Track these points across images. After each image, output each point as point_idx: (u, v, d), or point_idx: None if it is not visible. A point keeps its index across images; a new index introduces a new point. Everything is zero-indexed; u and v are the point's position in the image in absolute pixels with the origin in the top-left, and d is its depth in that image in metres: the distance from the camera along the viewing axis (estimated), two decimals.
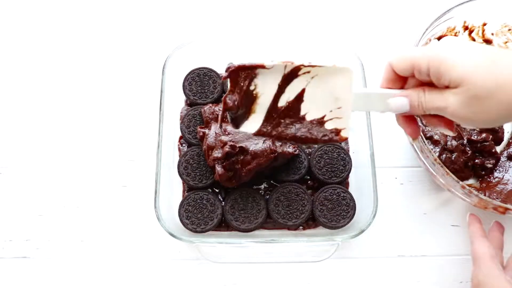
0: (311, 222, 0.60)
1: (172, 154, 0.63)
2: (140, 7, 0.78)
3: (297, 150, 0.59)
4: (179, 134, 0.64)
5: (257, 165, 0.57)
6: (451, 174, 0.54)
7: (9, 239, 0.64)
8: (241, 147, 0.57)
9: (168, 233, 0.55)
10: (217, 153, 0.57)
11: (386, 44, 0.75)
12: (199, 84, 0.65)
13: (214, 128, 0.59)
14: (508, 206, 0.53)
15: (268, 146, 0.57)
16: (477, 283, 0.53)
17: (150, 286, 0.62)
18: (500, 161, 0.65)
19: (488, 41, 0.67)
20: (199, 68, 0.66)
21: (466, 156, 0.62)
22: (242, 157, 0.57)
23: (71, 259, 0.63)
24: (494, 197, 0.61)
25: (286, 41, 0.67)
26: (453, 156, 0.61)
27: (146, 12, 0.78)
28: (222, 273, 0.62)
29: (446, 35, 0.66)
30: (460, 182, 0.53)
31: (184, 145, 0.64)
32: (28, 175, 0.67)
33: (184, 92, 0.65)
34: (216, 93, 0.65)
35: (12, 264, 0.63)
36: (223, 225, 0.60)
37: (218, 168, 0.57)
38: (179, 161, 0.61)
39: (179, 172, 0.60)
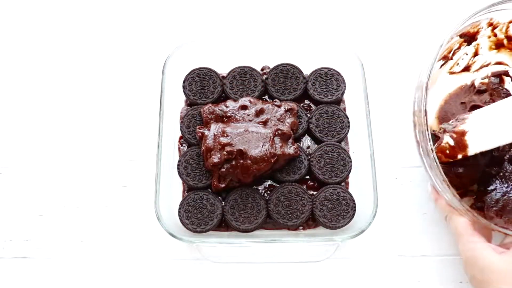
0: (311, 222, 0.60)
1: (172, 154, 0.63)
2: (140, 7, 0.78)
3: (298, 152, 0.59)
4: (179, 134, 0.64)
5: (258, 170, 0.57)
6: (457, 196, 0.53)
7: (9, 239, 0.64)
8: (239, 150, 0.57)
9: (168, 233, 0.55)
10: (215, 158, 0.57)
11: (386, 44, 0.75)
12: (199, 84, 0.65)
13: (213, 129, 0.59)
14: (505, 231, 0.53)
15: (267, 150, 0.57)
16: (465, 258, 0.53)
17: (150, 286, 0.62)
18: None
19: (510, 38, 0.67)
20: (199, 68, 0.66)
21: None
22: (242, 161, 0.57)
23: (71, 259, 0.63)
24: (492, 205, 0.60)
25: (286, 41, 0.67)
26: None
27: (146, 12, 0.78)
28: (222, 273, 0.62)
29: (469, 32, 0.65)
30: (465, 206, 0.53)
31: (184, 145, 0.64)
32: (28, 175, 0.67)
33: (184, 92, 0.65)
34: (216, 93, 0.65)
35: (12, 264, 0.63)
36: (223, 225, 0.60)
37: (214, 181, 0.58)
38: (179, 161, 0.61)
39: (179, 172, 0.60)
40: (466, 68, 0.69)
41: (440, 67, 0.68)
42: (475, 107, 0.66)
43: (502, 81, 0.69)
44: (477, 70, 0.69)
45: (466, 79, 0.69)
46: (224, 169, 0.57)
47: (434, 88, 0.68)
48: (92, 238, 0.64)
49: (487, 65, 0.69)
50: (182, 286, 0.62)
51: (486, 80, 0.69)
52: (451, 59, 0.68)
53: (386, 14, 0.78)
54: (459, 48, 0.67)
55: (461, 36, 0.65)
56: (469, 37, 0.66)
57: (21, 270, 0.63)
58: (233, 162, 0.57)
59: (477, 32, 0.66)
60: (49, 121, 0.70)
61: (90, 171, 0.67)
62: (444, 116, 0.67)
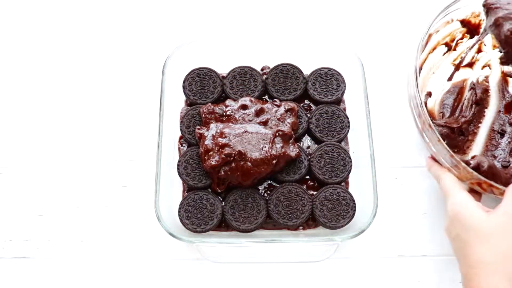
0: (311, 222, 0.60)
1: (172, 154, 0.63)
2: (140, 7, 0.78)
3: (299, 154, 0.59)
4: (179, 134, 0.64)
5: (258, 173, 0.57)
6: (442, 141, 0.54)
7: (9, 239, 0.64)
8: (239, 152, 0.57)
9: (168, 233, 0.55)
10: (213, 161, 0.57)
11: (386, 44, 0.75)
12: (199, 84, 0.65)
13: (212, 129, 0.59)
14: (492, 182, 0.53)
15: (268, 151, 0.57)
16: (452, 214, 0.52)
17: (150, 286, 0.62)
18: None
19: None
20: (199, 68, 0.66)
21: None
22: (242, 164, 0.57)
23: (71, 259, 0.63)
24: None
25: (286, 41, 0.67)
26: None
27: (146, 12, 0.78)
28: (222, 273, 0.62)
29: (470, 20, 0.65)
30: (450, 151, 0.54)
31: (184, 145, 0.64)
32: (28, 175, 0.67)
33: (184, 92, 0.65)
34: (216, 93, 0.65)
35: (12, 264, 0.63)
36: (223, 225, 0.60)
37: (213, 185, 0.59)
38: (179, 161, 0.61)
39: (178, 172, 0.60)
40: (470, 65, 0.69)
41: (443, 55, 0.68)
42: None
43: (506, 83, 0.69)
44: (481, 68, 0.69)
45: (469, 74, 0.69)
46: (223, 173, 0.57)
47: (437, 74, 0.68)
48: (92, 238, 0.64)
49: (490, 65, 0.69)
50: (182, 286, 0.62)
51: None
52: (455, 49, 0.68)
53: (386, 14, 0.78)
54: (461, 38, 0.67)
55: (462, 24, 0.65)
56: (471, 28, 0.66)
57: (21, 270, 0.63)
58: (233, 165, 0.57)
59: (479, 25, 0.66)
60: (49, 121, 0.70)
61: (90, 171, 0.67)
62: (444, 104, 0.67)
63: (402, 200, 0.66)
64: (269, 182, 0.62)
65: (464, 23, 0.66)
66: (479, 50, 0.69)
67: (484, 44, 0.68)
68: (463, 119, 0.65)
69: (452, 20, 0.64)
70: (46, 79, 0.73)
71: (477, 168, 0.59)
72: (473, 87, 0.68)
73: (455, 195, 0.53)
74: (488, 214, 0.50)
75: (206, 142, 0.58)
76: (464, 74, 0.69)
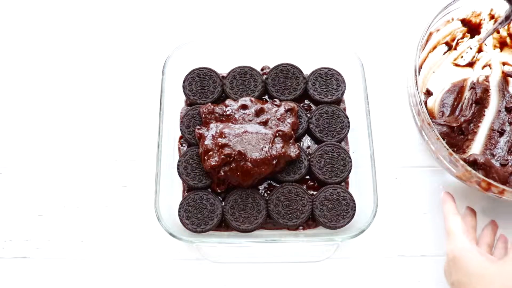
0: (311, 222, 0.60)
1: (172, 154, 0.63)
2: (140, 7, 0.78)
3: (299, 154, 0.59)
4: (179, 134, 0.64)
5: (259, 174, 0.57)
6: (441, 139, 0.55)
7: (9, 239, 0.64)
8: (239, 152, 0.57)
9: (168, 233, 0.55)
10: (213, 161, 0.57)
11: (386, 44, 0.75)
12: (199, 84, 0.65)
13: (212, 129, 0.59)
14: (490, 181, 0.53)
15: (268, 152, 0.57)
16: (453, 257, 0.54)
17: (150, 286, 0.62)
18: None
19: None
20: (199, 68, 0.66)
21: None
22: (242, 164, 0.57)
23: (71, 259, 0.63)
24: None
25: (286, 41, 0.67)
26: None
27: (146, 12, 0.78)
28: (222, 273, 0.62)
29: (470, 20, 0.66)
30: (449, 149, 0.54)
31: (184, 145, 0.64)
32: (28, 175, 0.67)
33: (184, 92, 0.65)
34: (216, 93, 0.65)
35: (12, 264, 0.63)
36: (223, 225, 0.60)
37: (213, 185, 0.59)
38: (179, 161, 0.61)
39: (178, 172, 0.60)
40: (470, 64, 0.69)
41: (443, 54, 0.68)
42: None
43: (506, 82, 0.69)
44: (482, 68, 0.69)
45: (469, 74, 0.69)
46: (222, 173, 0.57)
47: (437, 73, 0.68)
48: (92, 238, 0.64)
49: (491, 64, 0.69)
50: (182, 286, 0.62)
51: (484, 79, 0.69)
52: (455, 49, 0.68)
53: (386, 14, 0.78)
54: (462, 38, 0.67)
55: (463, 23, 0.65)
56: (472, 28, 0.66)
57: (21, 270, 0.63)
58: (233, 165, 0.57)
59: (480, 25, 0.66)
60: (49, 121, 0.70)
61: (90, 171, 0.67)
62: (444, 103, 0.68)
63: (402, 200, 0.66)
64: (269, 182, 0.62)
65: (464, 22, 0.66)
66: (479, 50, 0.69)
67: (485, 44, 0.68)
68: (463, 118, 0.65)
69: (453, 19, 0.64)
70: (46, 80, 0.73)
71: (474, 162, 0.59)
72: (473, 87, 0.68)
73: (457, 238, 0.55)
74: (492, 262, 0.52)
75: (206, 142, 0.58)
76: (464, 73, 0.69)
